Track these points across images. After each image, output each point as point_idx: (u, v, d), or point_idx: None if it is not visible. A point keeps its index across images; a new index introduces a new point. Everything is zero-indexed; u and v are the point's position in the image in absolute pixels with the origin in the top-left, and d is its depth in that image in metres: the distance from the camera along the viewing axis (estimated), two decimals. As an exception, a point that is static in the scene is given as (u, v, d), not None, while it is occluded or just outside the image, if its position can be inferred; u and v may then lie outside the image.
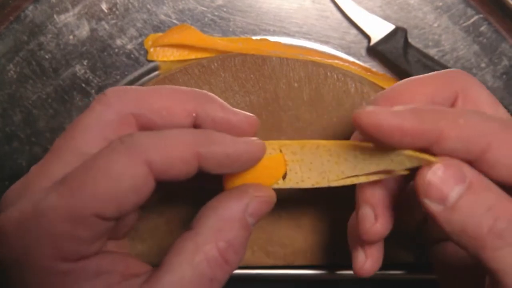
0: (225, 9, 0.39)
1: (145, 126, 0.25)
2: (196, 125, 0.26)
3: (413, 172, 0.24)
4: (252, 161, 0.25)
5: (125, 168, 0.22)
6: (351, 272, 0.29)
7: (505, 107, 0.38)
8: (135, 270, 0.24)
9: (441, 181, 0.23)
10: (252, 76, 0.36)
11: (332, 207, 0.35)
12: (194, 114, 0.25)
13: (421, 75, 0.27)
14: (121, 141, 0.22)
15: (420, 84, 0.26)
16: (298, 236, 0.36)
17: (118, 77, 0.39)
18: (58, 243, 0.22)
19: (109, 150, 0.22)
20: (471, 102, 0.26)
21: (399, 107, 0.23)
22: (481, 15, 0.39)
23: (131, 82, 0.39)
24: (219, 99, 0.26)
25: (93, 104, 0.25)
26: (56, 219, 0.22)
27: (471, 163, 0.23)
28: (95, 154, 0.23)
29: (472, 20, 0.40)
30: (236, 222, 0.25)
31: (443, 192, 0.22)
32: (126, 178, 0.22)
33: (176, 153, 0.23)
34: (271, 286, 0.38)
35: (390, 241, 0.28)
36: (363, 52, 0.39)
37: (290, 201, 0.35)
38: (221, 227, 0.24)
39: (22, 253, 0.22)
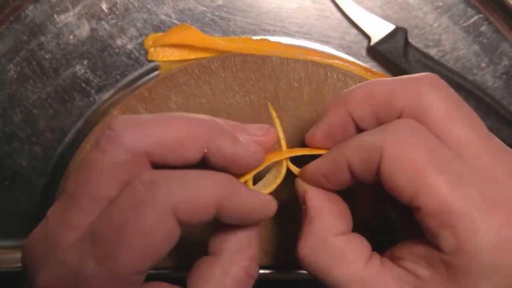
0: (225, 9, 0.39)
1: (158, 163, 0.24)
2: (205, 158, 0.25)
3: None
4: (263, 219, 0.26)
5: (157, 222, 0.22)
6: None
7: (505, 107, 0.38)
8: None
9: None
10: (252, 76, 0.36)
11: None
12: (205, 150, 0.25)
13: (378, 80, 0.26)
14: (147, 191, 0.22)
15: (367, 95, 0.26)
16: (297, 236, 0.36)
17: (118, 77, 0.39)
18: None
19: (135, 200, 0.22)
20: (421, 116, 0.24)
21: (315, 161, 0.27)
22: (481, 15, 0.39)
23: (131, 82, 0.39)
24: (229, 130, 0.26)
25: (103, 143, 0.23)
26: (95, 284, 0.22)
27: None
28: (119, 204, 0.22)
29: (472, 20, 0.39)
30: (254, 238, 0.26)
31: None
32: (159, 232, 0.22)
33: (200, 204, 0.23)
34: (271, 286, 0.38)
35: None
36: (363, 52, 0.39)
37: (289, 201, 0.35)
38: (242, 247, 0.26)
39: None
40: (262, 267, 0.36)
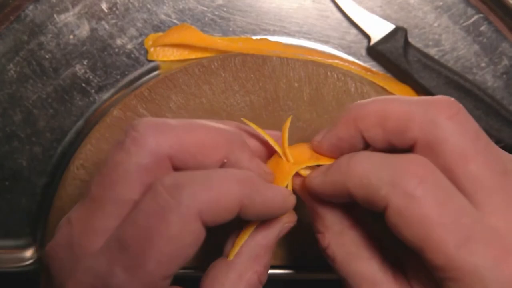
0: (225, 9, 0.39)
1: (179, 167, 0.24)
2: (223, 164, 0.26)
3: None
4: (283, 213, 0.26)
5: (183, 227, 0.22)
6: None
7: (505, 107, 0.38)
8: None
9: None
10: (252, 76, 0.36)
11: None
12: (225, 160, 0.25)
13: (393, 99, 0.25)
14: (170, 195, 0.22)
15: (381, 117, 0.25)
16: (298, 236, 0.36)
17: (118, 77, 0.39)
18: None
19: (160, 207, 0.22)
20: (436, 149, 0.23)
21: (315, 174, 0.26)
22: (481, 15, 0.39)
23: (131, 82, 0.39)
24: (248, 146, 0.26)
25: (127, 144, 0.23)
26: None
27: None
28: (144, 210, 0.22)
29: (472, 19, 0.39)
30: (271, 247, 0.27)
31: None
32: (185, 237, 0.22)
33: (224, 204, 0.23)
34: (271, 286, 0.38)
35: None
36: (363, 52, 0.39)
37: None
38: (259, 254, 0.26)
39: None
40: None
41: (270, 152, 0.29)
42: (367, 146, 0.26)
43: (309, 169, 0.28)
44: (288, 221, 0.27)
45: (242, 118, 0.29)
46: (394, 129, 0.24)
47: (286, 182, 0.27)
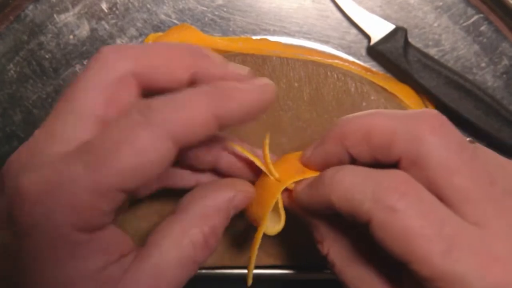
0: (225, 9, 0.39)
1: (145, 84, 0.25)
2: (193, 80, 0.26)
3: None
4: (268, 104, 0.26)
5: (150, 143, 0.22)
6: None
7: (505, 107, 0.38)
8: (126, 248, 0.25)
9: None
10: (252, 76, 0.36)
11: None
12: (192, 70, 0.25)
13: (377, 115, 0.25)
14: (141, 113, 0.22)
15: (365, 133, 0.25)
16: (299, 236, 0.36)
17: (118, 77, 0.39)
18: (79, 213, 0.22)
19: (131, 123, 0.22)
20: (420, 163, 0.23)
21: (301, 187, 0.27)
22: (481, 15, 0.39)
23: (131, 82, 0.39)
24: (213, 54, 0.27)
25: (91, 63, 0.24)
26: (80, 189, 0.22)
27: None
28: (115, 124, 0.22)
29: (472, 19, 0.39)
30: (221, 210, 0.26)
31: None
32: (152, 152, 0.22)
33: (197, 120, 0.23)
34: (271, 286, 0.38)
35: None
36: (363, 52, 0.39)
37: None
38: (207, 213, 0.26)
39: (41, 220, 0.22)
40: (263, 267, 0.36)
41: (257, 173, 0.29)
42: (354, 160, 0.26)
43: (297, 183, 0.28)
44: (241, 189, 0.27)
45: (229, 142, 0.29)
46: (378, 145, 0.24)
47: (273, 201, 0.27)
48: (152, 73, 0.25)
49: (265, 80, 0.25)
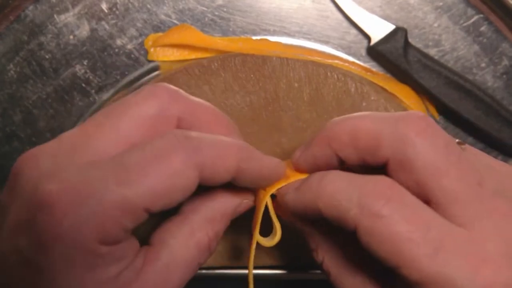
0: (225, 9, 0.39)
1: (184, 128, 0.26)
2: None
3: None
4: (275, 181, 0.27)
5: (182, 168, 0.22)
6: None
7: (505, 107, 0.38)
8: (136, 250, 0.25)
9: None
10: (252, 76, 0.36)
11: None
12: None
13: (363, 117, 0.25)
14: (177, 139, 0.23)
15: (352, 137, 0.25)
16: (299, 236, 0.36)
17: (118, 77, 0.39)
18: (104, 227, 0.22)
19: (167, 145, 0.22)
20: (408, 166, 0.23)
21: (286, 191, 0.27)
22: (481, 15, 0.39)
23: (131, 82, 0.39)
24: (241, 134, 0.28)
25: (144, 93, 0.25)
26: (110, 204, 0.21)
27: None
28: (151, 144, 0.23)
29: (472, 20, 0.39)
30: (227, 217, 0.27)
31: None
32: (181, 178, 0.22)
33: (224, 162, 0.24)
34: (271, 286, 0.38)
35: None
36: (363, 52, 0.39)
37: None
38: (214, 218, 0.26)
39: (69, 231, 0.21)
40: (263, 267, 0.36)
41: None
42: (343, 162, 0.26)
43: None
44: (246, 197, 0.28)
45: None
46: (365, 148, 0.25)
47: (261, 210, 0.27)
48: (192, 125, 0.26)
49: (279, 160, 0.27)
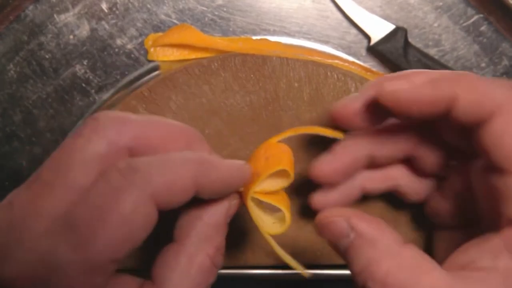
0: (225, 9, 0.39)
1: (135, 155, 0.24)
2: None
3: None
4: (240, 185, 0.26)
5: (135, 208, 0.21)
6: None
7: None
8: (134, 286, 0.24)
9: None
10: (252, 76, 0.36)
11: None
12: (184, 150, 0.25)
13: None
14: (122, 174, 0.21)
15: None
16: (300, 236, 0.36)
17: (118, 77, 0.39)
18: None
19: (114, 188, 0.21)
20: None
21: (417, 80, 0.25)
22: (481, 15, 0.39)
23: (131, 82, 0.39)
24: (204, 140, 0.27)
25: (87, 132, 0.23)
26: (73, 272, 0.21)
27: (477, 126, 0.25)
28: (96, 191, 0.21)
29: (472, 19, 0.39)
30: (221, 226, 0.26)
31: None
32: (138, 218, 0.21)
33: (179, 184, 0.22)
34: (272, 286, 0.38)
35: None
36: (363, 52, 0.39)
37: (292, 202, 0.35)
38: (209, 234, 0.25)
39: None
40: (263, 267, 0.36)
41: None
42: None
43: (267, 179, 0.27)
44: (234, 198, 0.27)
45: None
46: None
47: (251, 206, 0.27)
48: (147, 151, 0.24)
49: (242, 162, 0.26)
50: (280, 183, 0.27)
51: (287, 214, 0.27)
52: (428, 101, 0.25)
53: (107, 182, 0.22)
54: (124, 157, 0.23)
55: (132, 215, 0.21)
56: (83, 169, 0.22)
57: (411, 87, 0.25)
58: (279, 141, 0.28)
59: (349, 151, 0.29)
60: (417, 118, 0.26)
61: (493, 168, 0.24)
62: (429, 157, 0.29)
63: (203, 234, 0.25)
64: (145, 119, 0.25)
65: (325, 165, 0.28)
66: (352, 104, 0.27)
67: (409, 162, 0.31)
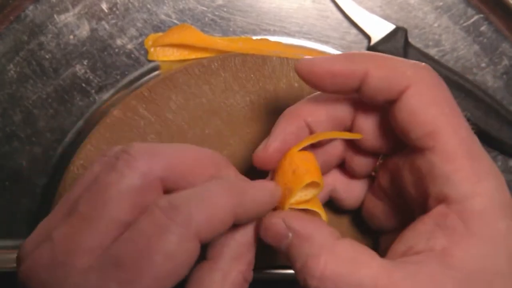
0: (225, 9, 0.39)
1: (170, 188, 0.25)
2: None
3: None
4: (273, 206, 0.26)
5: (179, 246, 0.22)
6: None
7: (505, 107, 0.38)
8: None
9: None
10: (252, 76, 0.36)
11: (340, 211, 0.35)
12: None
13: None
14: (165, 213, 0.22)
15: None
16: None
17: (118, 77, 0.39)
18: None
19: (157, 226, 0.22)
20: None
21: (333, 54, 0.27)
22: (481, 15, 0.39)
23: (131, 82, 0.39)
24: (229, 163, 0.27)
25: (120, 166, 0.23)
26: None
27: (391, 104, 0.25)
28: (140, 229, 0.22)
29: (472, 20, 0.39)
30: (252, 243, 0.27)
31: None
32: (182, 254, 0.22)
33: (219, 217, 0.23)
34: (272, 286, 0.38)
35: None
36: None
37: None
38: (241, 252, 0.26)
39: None
40: (263, 267, 0.36)
41: None
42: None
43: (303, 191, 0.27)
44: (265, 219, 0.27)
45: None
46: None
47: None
48: (178, 180, 0.25)
49: (272, 184, 0.26)
50: (311, 192, 0.27)
51: (323, 216, 0.27)
52: (340, 73, 0.26)
53: (150, 220, 0.22)
54: (157, 188, 0.24)
55: (176, 252, 0.22)
56: (120, 203, 0.23)
57: (325, 59, 0.26)
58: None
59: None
60: (331, 91, 0.27)
61: (413, 150, 0.25)
62: (358, 158, 0.30)
63: (236, 252, 0.26)
64: (174, 148, 0.25)
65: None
66: (271, 145, 0.27)
67: (342, 166, 0.31)
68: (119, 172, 0.23)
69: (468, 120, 0.37)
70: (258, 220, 0.27)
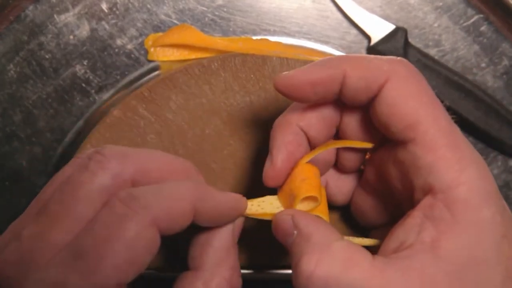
0: (225, 9, 0.39)
1: (137, 185, 0.25)
2: None
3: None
4: (237, 217, 0.27)
5: (138, 234, 0.22)
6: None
7: (505, 107, 0.38)
8: None
9: None
10: (252, 76, 0.36)
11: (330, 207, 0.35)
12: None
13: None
14: (124, 203, 0.22)
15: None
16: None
17: (118, 77, 0.39)
18: None
19: (116, 215, 0.22)
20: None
21: (308, 65, 0.27)
22: (481, 15, 0.39)
23: (131, 82, 0.39)
24: (200, 173, 0.27)
25: (92, 166, 0.24)
26: None
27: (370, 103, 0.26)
28: (100, 220, 0.22)
29: (472, 20, 0.39)
30: (231, 248, 0.27)
31: None
32: (141, 242, 0.22)
33: (178, 209, 0.23)
34: (272, 286, 0.38)
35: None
36: (364, 52, 0.39)
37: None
38: (221, 259, 0.26)
39: None
40: (263, 267, 0.36)
41: None
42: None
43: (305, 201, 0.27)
44: (237, 219, 0.27)
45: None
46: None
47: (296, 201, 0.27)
48: (148, 182, 0.25)
49: (240, 196, 0.27)
50: (308, 205, 0.27)
51: (325, 219, 0.27)
52: (319, 81, 0.26)
53: (110, 211, 0.23)
54: (127, 186, 0.24)
55: (136, 240, 0.22)
56: (89, 201, 0.23)
57: (301, 70, 0.26)
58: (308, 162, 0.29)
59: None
60: (314, 100, 0.27)
61: (396, 144, 0.25)
62: (347, 153, 0.30)
63: (215, 259, 0.26)
64: (146, 152, 0.26)
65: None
66: (277, 158, 0.28)
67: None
68: (91, 172, 0.24)
69: (448, 109, 0.37)
70: (235, 225, 0.27)
